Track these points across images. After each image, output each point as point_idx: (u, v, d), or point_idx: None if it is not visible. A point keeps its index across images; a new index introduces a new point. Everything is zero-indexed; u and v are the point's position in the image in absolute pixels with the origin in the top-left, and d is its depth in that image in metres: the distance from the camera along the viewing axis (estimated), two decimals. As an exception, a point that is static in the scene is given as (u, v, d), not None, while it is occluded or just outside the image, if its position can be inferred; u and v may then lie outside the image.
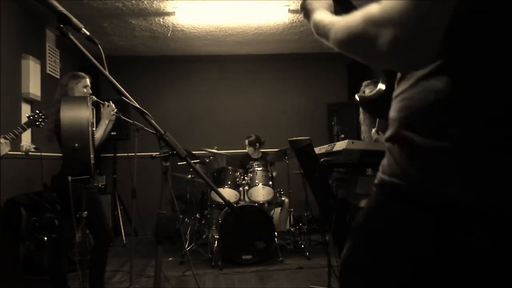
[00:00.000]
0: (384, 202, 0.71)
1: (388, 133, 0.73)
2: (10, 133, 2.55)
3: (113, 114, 2.87)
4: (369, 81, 3.11)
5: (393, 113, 0.73)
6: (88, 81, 2.80)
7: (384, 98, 0.82)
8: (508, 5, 0.61)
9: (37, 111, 2.74)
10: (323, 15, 0.84)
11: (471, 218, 0.61)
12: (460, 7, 0.60)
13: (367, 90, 2.98)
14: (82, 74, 2.81)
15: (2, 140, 2.44)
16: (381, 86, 0.93)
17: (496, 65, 0.62)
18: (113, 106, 2.87)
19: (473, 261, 0.62)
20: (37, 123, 2.70)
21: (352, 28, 0.67)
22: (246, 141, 5.14)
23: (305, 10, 0.91)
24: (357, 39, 0.66)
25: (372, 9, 0.62)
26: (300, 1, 0.93)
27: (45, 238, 3.57)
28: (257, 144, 5.12)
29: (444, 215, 0.62)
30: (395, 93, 0.74)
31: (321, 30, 0.81)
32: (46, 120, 2.72)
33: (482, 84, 0.62)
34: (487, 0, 0.61)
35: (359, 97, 1.00)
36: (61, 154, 2.51)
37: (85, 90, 2.77)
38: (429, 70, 0.66)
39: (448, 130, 0.63)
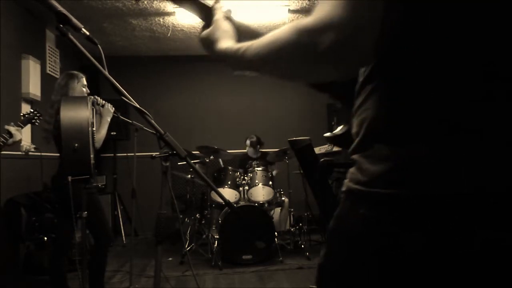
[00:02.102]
0: (351, 209, 0.72)
1: (352, 145, 0.75)
2: (12, 123, 2.58)
3: (113, 113, 2.90)
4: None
5: (354, 128, 0.75)
6: (85, 80, 2.82)
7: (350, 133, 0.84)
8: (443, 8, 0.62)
9: (31, 110, 2.76)
10: (230, 43, 0.82)
11: (427, 218, 0.62)
12: (400, 17, 0.63)
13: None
14: (80, 73, 2.82)
15: (12, 128, 2.48)
16: (342, 127, 0.95)
17: (440, 69, 0.63)
18: (110, 105, 2.90)
19: (434, 260, 0.63)
20: (33, 120, 2.72)
21: (283, 41, 0.66)
22: (248, 141, 5.13)
23: (207, 42, 0.87)
24: (288, 49, 0.65)
25: (303, 21, 0.63)
26: (201, 36, 0.89)
27: (45, 238, 3.57)
28: (258, 145, 5.13)
29: (405, 217, 0.63)
30: (354, 109, 0.76)
31: (232, 56, 0.78)
32: (41, 118, 2.74)
33: (429, 90, 0.64)
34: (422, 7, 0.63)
35: (327, 137, 1.02)
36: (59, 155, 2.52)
37: (84, 89, 2.78)
38: (377, 82, 0.68)
39: (401, 138, 0.65)
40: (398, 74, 0.67)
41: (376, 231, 0.66)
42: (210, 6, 0.93)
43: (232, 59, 0.79)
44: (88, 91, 2.81)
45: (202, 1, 0.95)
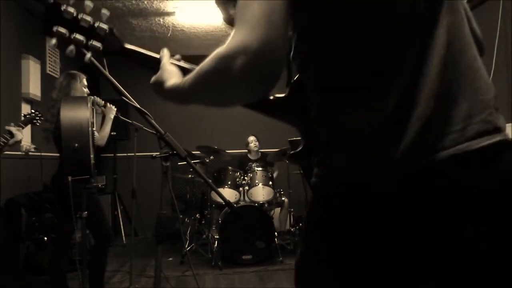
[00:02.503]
0: (316, 202, 0.75)
1: (316, 151, 0.80)
2: (12, 123, 2.59)
3: (115, 112, 2.93)
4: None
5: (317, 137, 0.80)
6: (85, 80, 2.83)
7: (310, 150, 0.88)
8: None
9: (32, 110, 2.77)
10: (173, 81, 0.87)
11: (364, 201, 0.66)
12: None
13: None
14: (80, 73, 2.82)
15: (13, 128, 2.49)
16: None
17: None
18: (110, 104, 2.93)
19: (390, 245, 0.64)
20: (34, 121, 2.72)
21: (205, 69, 0.71)
22: (253, 137, 5.14)
23: (156, 85, 0.93)
24: (210, 76, 0.70)
25: (218, 49, 0.67)
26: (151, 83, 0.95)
27: (45, 238, 3.57)
28: (258, 142, 5.16)
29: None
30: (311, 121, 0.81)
31: (176, 92, 0.84)
32: (42, 118, 2.75)
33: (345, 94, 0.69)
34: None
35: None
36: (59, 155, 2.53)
37: (85, 89, 2.78)
38: (318, 93, 0.75)
39: (330, 133, 0.71)
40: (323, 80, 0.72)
41: (360, 227, 0.66)
42: (158, 57, 1.02)
43: (178, 94, 0.84)
44: (88, 91, 2.81)
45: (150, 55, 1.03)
